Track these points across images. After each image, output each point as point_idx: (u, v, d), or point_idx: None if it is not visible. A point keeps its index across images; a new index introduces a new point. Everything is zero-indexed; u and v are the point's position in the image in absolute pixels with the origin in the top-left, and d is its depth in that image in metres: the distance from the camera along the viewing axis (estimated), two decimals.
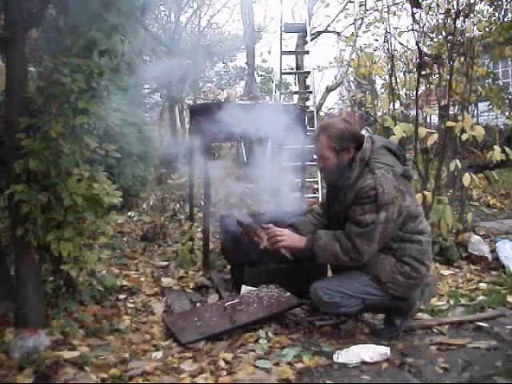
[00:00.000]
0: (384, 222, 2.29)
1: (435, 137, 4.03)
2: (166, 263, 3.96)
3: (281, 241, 2.55)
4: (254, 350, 2.35)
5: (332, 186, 2.65)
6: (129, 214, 6.05)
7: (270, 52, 14.62)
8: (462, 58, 4.49)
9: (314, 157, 3.12)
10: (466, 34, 4.48)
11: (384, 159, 2.41)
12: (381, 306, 2.53)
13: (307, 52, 9.15)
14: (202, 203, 4.28)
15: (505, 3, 5.07)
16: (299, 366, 2.19)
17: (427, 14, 4.61)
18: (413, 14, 4.45)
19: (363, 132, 8.87)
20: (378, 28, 5.93)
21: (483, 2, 4.98)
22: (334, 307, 2.45)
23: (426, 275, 2.51)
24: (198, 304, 3.03)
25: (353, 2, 11.00)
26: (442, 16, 4.54)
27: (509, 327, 2.56)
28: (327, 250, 2.41)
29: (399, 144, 4.07)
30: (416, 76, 4.51)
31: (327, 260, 2.51)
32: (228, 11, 24.54)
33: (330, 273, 3.15)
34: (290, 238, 2.55)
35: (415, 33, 4.46)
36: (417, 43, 4.39)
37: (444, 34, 4.46)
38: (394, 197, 2.30)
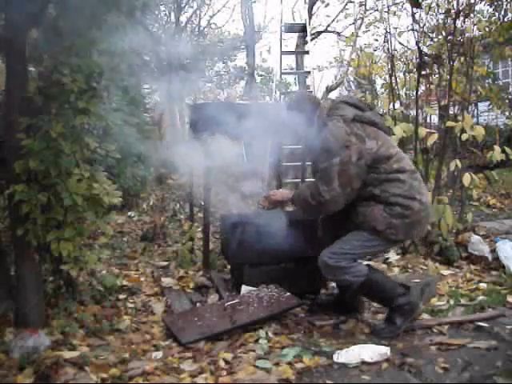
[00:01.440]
0: (339, 164, 2.43)
1: (435, 137, 4.03)
2: (166, 263, 3.96)
3: (274, 195, 2.82)
4: (254, 350, 2.35)
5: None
6: (129, 213, 6.05)
7: (269, 52, 14.64)
8: (462, 58, 4.49)
9: None
10: (466, 34, 4.48)
11: (339, 112, 2.57)
12: (382, 287, 2.57)
13: (307, 52, 9.14)
14: (202, 203, 4.28)
15: (505, 3, 5.07)
16: (299, 366, 2.19)
17: (427, 14, 4.61)
18: (413, 14, 4.45)
19: None
20: (378, 28, 5.94)
21: (483, 2, 4.98)
22: (340, 273, 2.51)
23: (421, 210, 2.51)
24: (198, 304, 3.03)
25: (353, 2, 10.99)
26: (442, 16, 4.54)
27: (509, 327, 2.56)
28: (300, 196, 2.63)
29: (398, 145, 4.09)
30: (416, 76, 4.52)
31: (302, 207, 2.66)
32: (228, 11, 24.56)
33: None
34: (280, 193, 2.83)
35: (415, 33, 4.47)
36: (417, 43, 4.39)
37: (444, 34, 4.46)
38: (345, 141, 2.45)
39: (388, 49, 4.79)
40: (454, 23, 4.28)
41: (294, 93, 2.96)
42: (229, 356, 2.29)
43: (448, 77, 4.35)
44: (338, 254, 2.51)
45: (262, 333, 2.52)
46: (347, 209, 2.54)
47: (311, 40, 9.33)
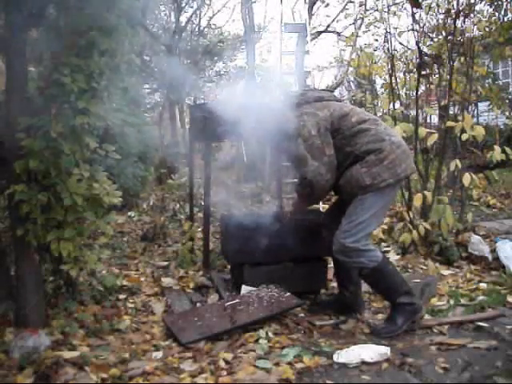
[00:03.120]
0: (303, 142, 2.56)
1: (435, 137, 4.02)
2: (166, 263, 3.96)
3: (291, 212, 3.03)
4: (254, 350, 2.35)
5: None
6: (129, 213, 6.05)
7: (269, 52, 14.62)
8: (462, 58, 4.48)
9: None
10: (466, 34, 4.48)
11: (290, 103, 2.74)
12: (392, 279, 2.59)
13: (307, 52, 9.14)
14: (202, 203, 4.28)
15: (505, 3, 5.07)
16: (299, 366, 2.19)
17: (427, 14, 4.61)
18: (413, 14, 4.45)
19: None
20: (378, 28, 5.93)
21: (483, 2, 4.98)
22: (356, 255, 2.52)
23: (395, 148, 2.55)
24: (198, 304, 3.03)
25: (353, 2, 11.00)
26: (442, 16, 4.54)
27: (509, 327, 2.56)
28: (299, 196, 2.81)
29: None
30: (416, 76, 4.52)
31: (303, 199, 2.81)
32: (228, 11, 24.55)
33: (329, 272, 3.16)
34: (295, 204, 2.99)
35: (415, 33, 4.46)
36: (417, 43, 4.39)
37: (444, 33, 4.46)
38: (297, 123, 2.60)
39: (388, 49, 4.78)
40: (454, 23, 4.28)
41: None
42: (229, 356, 2.29)
43: (448, 77, 4.35)
44: (350, 229, 2.51)
45: (262, 333, 2.52)
46: (337, 186, 2.63)
47: (311, 40, 9.33)
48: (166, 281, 3.45)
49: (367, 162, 2.51)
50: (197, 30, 13.22)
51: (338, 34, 12.77)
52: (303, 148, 2.55)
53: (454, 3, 4.29)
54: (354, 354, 2.25)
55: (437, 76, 4.60)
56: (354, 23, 10.61)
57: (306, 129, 2.57)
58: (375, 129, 2.59)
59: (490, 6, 5.13)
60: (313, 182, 2.54)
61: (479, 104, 6.84)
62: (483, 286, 3.28)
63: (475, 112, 6.95)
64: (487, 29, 4.99)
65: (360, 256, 2.51)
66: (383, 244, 4.24)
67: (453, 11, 4.30)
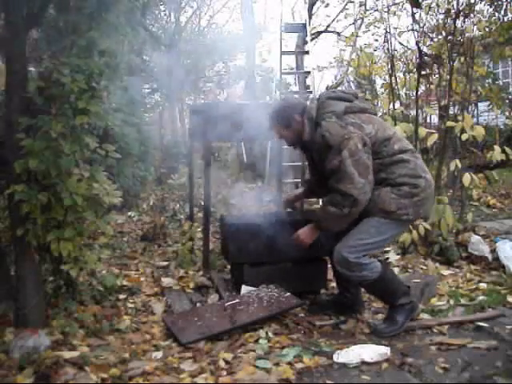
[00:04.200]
0: (350, 156, 2.39)
1: (435, 137, 4.03)
2: (166, 263, 3.96)
3: (302, 242, 2.68)
4: (254, 350, 2.35)
5: (306, 156, 2.87)
6: (129, 213, 6.05)
7: (269, 52, 14.62)
8: (462, 58, 4.49)
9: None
10: (466, 34, 4.48)
11: (327, 108, 2.54)
12: (392, 285, 2.58)
13: (307, 52, 9.14)
14: (202, 203, 4.28)
15: (505, 3, 5.06)
16: (299, 366, 2.19)
17: (427, 14, 4.62)
18: (413, 14, 4.45)
19: None
20: (378, 28, 5.94)
21: (483, 2, 4.98)
22: (358, 269, 2.48)
23: (427, 187, 2.52)
24: (198, 304, 3.03)
25: (353, 2, 11.00)
26: (442, 16, 4.55)
27: (509, 327, 2.56)
28: (329, 219, 2.50)
29: None
30: (416, 76, 4.52)
31: (337, 224, 2.52)
32: (228, 11, 24.55)
33: (329, 272, 3.15)
34: (304, 235, 2.66)
35: (415, 33, 4.47)
36: (417, 43, 4.39)
37: (444, 34, 4.46)
38: (343, 134, 2.42)
39: (388, 49, 4.80)
40: (454, 23, 4.28)
41: (273, 107, 2.85)
42: (229, 356, 2.29)
43: (448, 77, 4.36)
44: (357, 246, 2.47)
45: (262, 333, 2.52)
46: None
47: (311, 40, 9.32)
48: (166, 281, 3.45)
49: (400, 191, 2.45)
50: (197, 29, 13.21)
51: (338, 34, 12.76)
52: (350, 163, 2.37)
53: (454, 3, 4.29)
54: (353, 354, 2.25)
55: (437, 76, 4.61)
56: (354, 23, 10.62)
57: (353, 142, 2.39)
58: (414, 162, 2.51)
59: (490, 6, 5.13)
60: (358, 201, 2.39)
61: (479, 104, 6.84)
62: (483, 286, 3.28)
63: (475, 112, 6.94)
64: (487, 29, 5.00)
65: (362, 270, 2.48)
66: None
67: (453, 11, 4.30)
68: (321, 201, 4.86)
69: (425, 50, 4.53)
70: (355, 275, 2.51)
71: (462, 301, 3.01)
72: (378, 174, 2.47)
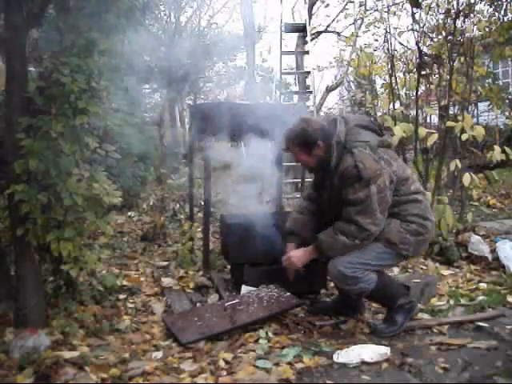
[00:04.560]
0: (377, 192, 2.36)
1: (435, 137, 4.02)
2: (166, 263, 3.96)
3: (291, 265, 2.66)
4: (254, 350, 2.35)
5: (317, 176, 2.74)
6: (129, 213, 6.05)
7: (269, 52, 14.62)
8: (462, 58, 4.49)
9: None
10: (466, 34, 4.48)
11: (359, 137, 2.47)
12: (389, 289, 2.58)
13: (307, 52, 9.14)
14: (202, 203, 4.28)
15: (505, 3, 5.06)
16: (299, 365, 2.19)
17: (427, 14, 4.61)
18: (413, 14, 4.45)
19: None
20: (378, 28, 5.94)
21: (483, 2, 4.97)
22: (354, 282, 2.47)
23: (431, 229, 2.56)
24: (198, 304, 3.03)
25: (353, 2, 11.00)
26: (442, 16, 4.54)
27: (509, 327, 2.56)
28: (335, 247, 2.46)
29: (398, 145, 4.09)
30: (416, 76, 4.52)
31: (340, 252, 2.47)
32: (228, 11, 24.56)
33: None
34: (296, 259, 2.63)
35: (415, 33, 4.47)
36: (417, 43, 4.39)
37: (444, 34, 4.47)
38: (376, 169, 2.37)
39: (388, 49, 4.80)
40: (454, 23, 4.28)
41: (292, 128, 2.57)
42: (229, 356, 2.29)
43: (448, 77, 4.36)
44: (355, 263, 2.45)
45: (262, 333, 2.52)
46: None
47: (311, 40, 9.33)
48: (166, 281, 3.45)
49: (408, 227, 2.47)
50: (197, 29, 13.22)
51: (338, 34, 12.76)
52: (376, 200, 2.35)
53: (454, 3, 4.29)
54: (353, 354, 2.25)
55: (437, 76, 4.61)
56: (353, 23, 10.62)
57: (382, 178, 2.37)
58: (425, 204, 2.54)
59: (490, 6, 5.13)
60: (372, 236, 2.41)
61: (479, 104, 6.83)
62: (483, 286, 3.28)
63: (475, 112, 6.93)
64: (487, 29, 4.99)
65: (358, 283, 2.47)
66: None
67: (453, 11, 4.30)
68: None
69: (425, 50, 4.54)
70: (351, 288, 2.51)
71: (462, 301, 3.01)
72: (391, 208, 2.47)
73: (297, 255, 2.64)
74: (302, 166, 2.75)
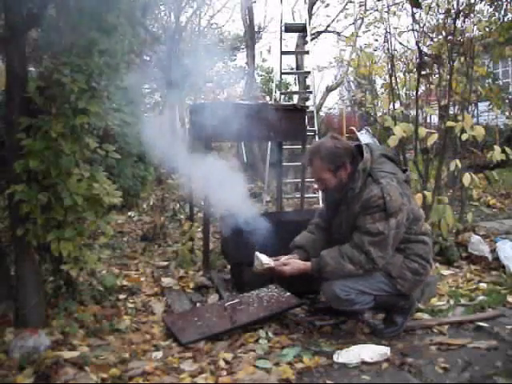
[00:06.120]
0: (395, 227, 2.34)
1: (435, 137, 4.02)
2: (166, 263, 3.96)
3: (286, 270, 2.54)
4: (254, 350, 2.35)
5: (332, 200, 2.64)
6: (129, 213, 6.06)
7: (269, 52, 14.62)
8: (462, 58, 4.48)
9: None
10: (466, 34, 4.48)
11: (385, 167, 2.44)
12: (387, 304, 2.55)
13: (307, 52, 9.15)
14: (202, 203, 4.28)
15: (505, 3, 5.06)
16: (299, 366, 2.19)
17: (427, 14, 4.61)
18: (413, 14, 4.45)
19: (363, 132, 8.85)
20: (378, 28, 5.93)
21: (483, 2, 4.97)
22: (349, 304, 2.45)
23: (429, 273, 2.59)
24: (198, 304, 3.03)
25: (353, 2, 11.01)
26: (442, 16, 4.54)
27: (509, 327, 2.56)
28: (338, 272, 2.41)
29: (398, 145, 4.09)
30: (416, 76, 4.52)
31: (340, 277, 2.43)
32: (228, 11, 24.57)
33: None
34: (290, 273, 2.54)
35: (415, 33, 4.46)
36: (417, 43, 4.39)
37: (444, 33, 4.46)
38: (401, 203, 2.34)
39: (388, 49, 4.79)
40: (454, 23, 4.28)
41: (322, 143, 2.47)
42: (229, 356, 2.29)
43: (448, 77, 4.35)
44: (353, 287, 2.42)
45: (262, 333, 2.52)
46: None
47: (311, 40, 9.33)
48: (166, 281, 3.45)
49: (410, 264, 2.46)
50: (197, 29, 13.20)
51: (338, 34, 12.78)
52: (392, 235, 2.33)
53: (454, 3, 4.29)
54: (353, 353, 2.25)
55: (437, 76, 4.60)
56: (353, 23, 10.63)
57: (402, 214, 2.34)
58: (429, 246, 2.54)
59: (490, 6, 5.13)
60: (377, 268, 2.40)
61: (479, 104, 6.83)
62: (483, 286, 3.28)
63: (475, 112, 6.94)
64: (487, 29, 4.99)
65: (353, 305, 2.45)
66: None
67: (453, 11, 4.30)
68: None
69: (425, 50, 4.53)
70: (347, 309, 2.51)
71: (462, 301, 3.01)
72: (398, 244, 2.45)
73: (293, 270, 2.53)
74: (320, 185, 2.58)
